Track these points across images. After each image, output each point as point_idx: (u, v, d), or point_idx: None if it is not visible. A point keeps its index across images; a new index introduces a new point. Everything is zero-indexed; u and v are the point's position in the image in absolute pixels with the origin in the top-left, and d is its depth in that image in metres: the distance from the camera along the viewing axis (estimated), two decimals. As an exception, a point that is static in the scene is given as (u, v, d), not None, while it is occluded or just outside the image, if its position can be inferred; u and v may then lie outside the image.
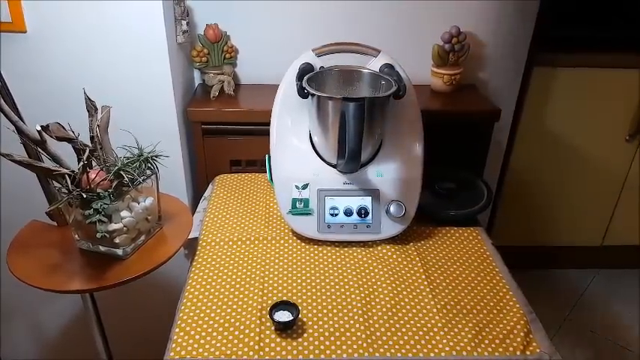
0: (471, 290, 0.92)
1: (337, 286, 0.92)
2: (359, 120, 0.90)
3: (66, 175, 0.83)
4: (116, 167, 0.85)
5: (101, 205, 0.82)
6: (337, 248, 1.02)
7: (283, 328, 0.82)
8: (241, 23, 1.33)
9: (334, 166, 1.04)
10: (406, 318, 0.85)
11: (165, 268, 0.91)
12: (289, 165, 1.05)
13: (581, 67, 1.60)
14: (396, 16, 1.34)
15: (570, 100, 1.64)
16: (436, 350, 0.80)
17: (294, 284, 0.92)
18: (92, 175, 0.84)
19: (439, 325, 0.84)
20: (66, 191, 0.84)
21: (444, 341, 0.81)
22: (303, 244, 1.03)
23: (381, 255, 1.00)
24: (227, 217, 1.11)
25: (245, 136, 1.27)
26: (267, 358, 0.78)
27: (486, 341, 0.82)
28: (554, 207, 1.84)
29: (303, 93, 0.98)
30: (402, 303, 0.89)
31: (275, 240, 1.04)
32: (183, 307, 0.87)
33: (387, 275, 0.95)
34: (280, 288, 0.91)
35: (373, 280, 0.93)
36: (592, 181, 1.77)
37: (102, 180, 0.85)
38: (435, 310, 0.87)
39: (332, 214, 1.02)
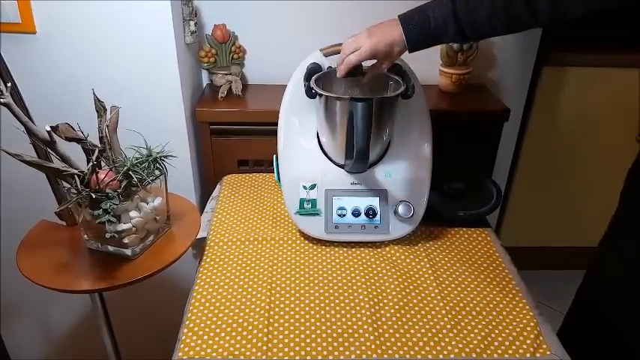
0: (480, 291, 0.92)
1: (345, 287, 0.92)
2: (367, 120, 0.89)
3: (75, 176, 0.84)
4: (125, 167, 0.85)
5: (110, 206, 0.83)
6: (345, 249, 1.02)
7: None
8: (249, 23, 1.33)
9: (342, 167, 1.03)
10: (415, 319, 0.85)
11: (174, 268, 0.91)
12: (297, 165, 1.05)
13: (591, 67, 1.58)
14: (404, 15, 1.33)
15: (580, 100, 1.63)
16: (445, 352, 0.79)
17: (302, 284, 0.92)
18: (101, 176, 0.85)
19: (448, 326, 0.84)
20: (75, 191, 0.84)
21: (453, 343, 0.81)
22: (310, 244, 1.03)
23: (389, 256, 1.00)
24: (235, 217, 1.11)
25: (253, 136, 1.27)
26: (275, 358, 0.78)
27: (496, 343, 0.81)
28: (563, 207, 1.82)
29: (310, 93, 0.98)
30: (411, 304, 0.88)
31: (283, 240, 1.04)
32: (191, 307, 0.87)
33: (395, 276, 0.94)
34: (288, 289, 0.91)
35: (381, 281, 0.93)
36: (602, 181, 1.75)
37: (111, 180, 0.85)
38: (443, 312, 0.86)
39: (340, 215, 1.01)
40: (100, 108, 0.90)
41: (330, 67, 1.06)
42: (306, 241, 1.04)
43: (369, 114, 0.89)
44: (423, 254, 1.01)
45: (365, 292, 0.90)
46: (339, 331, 0.82)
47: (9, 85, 0.81)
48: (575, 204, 1.81)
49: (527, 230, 1.85)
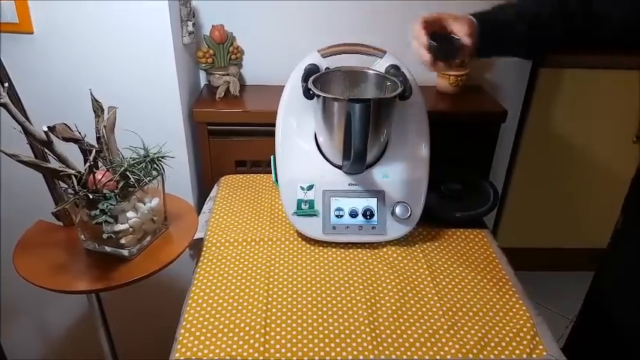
0: (477, 292, 0.92)
1: (342, 288, 0.92)
2: (365, 121, 0.89)
3: (72, 176, 0.84)
4: (122, 168, 0.85)
5: (107, 206, 0.83)
6: (342, 249, 1.02)
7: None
8: (247, 24, 1.33)
9: (340, 168, 1.03)
10: (412, 320, 0.85)
11: (171, 268, 0.91)
12: (294, 166, 1.05)
13: (588, 68, 1.59)
14: (401, 16, 1.33)
15: (577, 102, 1.63)
16: (442, 353, 0.79)
17: (299, 285, 0.92)
18: (98, 176, 0.85)
19: (445, 327, 0.84)
20: (72, 192, 0.84)
21: (450, 344, 0.81)
22: (308, 245, 1.03)
23: (386, 257, 1.00)
24: (232, 217, 1.11)
25: (250, 137, 1.27)
26: (272, 359, 0.78)
27: (492, 344, 0.81)
28: (560, 209, 1.83)
29: (308, 94, 0.98)
30: (408, 305, 0.88)
31: (280, 241, 1.04)
32: (188, 308, 0.87)
33: (392, 277, 0.94)
34: (285, 289, 0.91)
35: (379, 282, 0.93)
36: (599, 182, 1.76)
37: (108, 181, 0.85)
38: (440, 313, 0.87)
39: (337, 216, 1.01)
40: (98, 108, 0.90)
41: (327, 67, 1.07)
42: (304, 242, 1.04)
43: (366, 115, 0.89)
44: (421, 255, 1.01)
45: (362, 293, 0.90)
46: (337, 331, 0.82)
47: (6, 85, 0.81)
48: (572, 205, 1.82)
49: (524, 231, 1.86)
